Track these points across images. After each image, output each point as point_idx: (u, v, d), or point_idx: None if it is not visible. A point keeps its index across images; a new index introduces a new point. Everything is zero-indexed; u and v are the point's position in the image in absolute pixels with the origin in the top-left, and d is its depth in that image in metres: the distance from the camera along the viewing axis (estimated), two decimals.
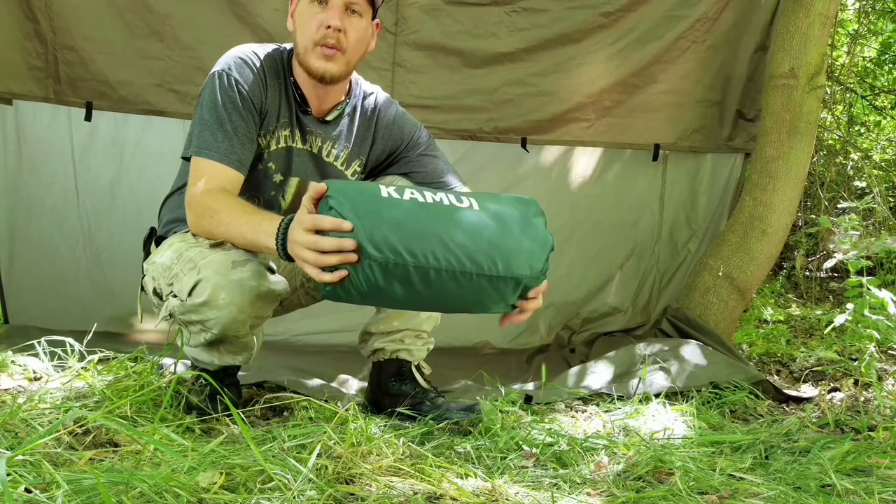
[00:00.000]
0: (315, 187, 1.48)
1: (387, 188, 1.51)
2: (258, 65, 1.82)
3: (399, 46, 2.97)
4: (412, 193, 1.51)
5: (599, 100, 3.09)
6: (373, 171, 2.03)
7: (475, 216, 1.53)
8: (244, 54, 1.82)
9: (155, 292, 1.82)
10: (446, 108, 3.04)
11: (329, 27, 1.76)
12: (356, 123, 1.97)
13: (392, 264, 1.44)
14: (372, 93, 2.01)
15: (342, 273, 1.45)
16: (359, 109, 1.97)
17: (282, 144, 1.88)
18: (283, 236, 1.55)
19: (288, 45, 1.90)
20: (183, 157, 1.84)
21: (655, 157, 3.16)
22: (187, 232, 1.80)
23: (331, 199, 1.45)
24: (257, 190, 1.87)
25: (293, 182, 1.92)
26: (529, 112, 3.08)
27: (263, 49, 1.86)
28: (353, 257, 1.43)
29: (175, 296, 1.70)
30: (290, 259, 1.55)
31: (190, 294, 1.65)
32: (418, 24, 2.97)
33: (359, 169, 1.99)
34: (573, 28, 3.04)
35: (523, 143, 3.09)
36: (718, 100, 3.14)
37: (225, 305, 1.64)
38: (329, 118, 1.91)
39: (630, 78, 3.08)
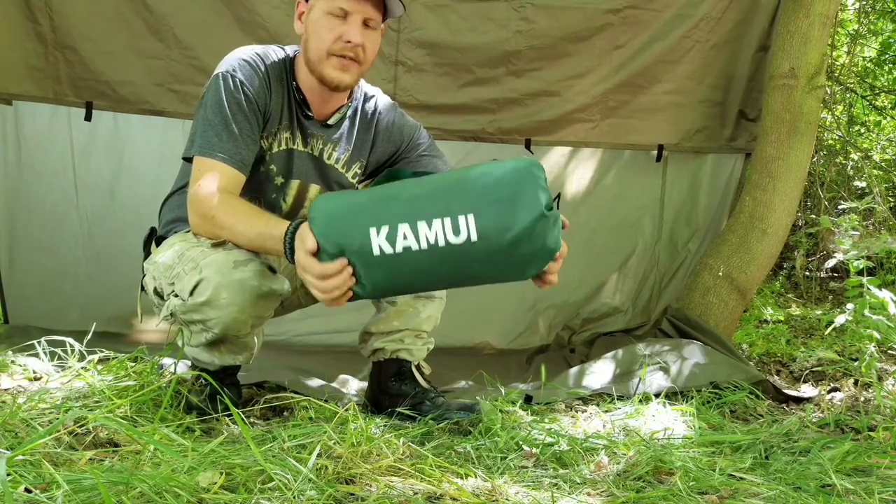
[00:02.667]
0: (309, 243, 1.51)
1: (378, 239, 1.46)
2: (262, 67, 1.81)
3: (401, 44, 2.95)
4: (405, 240, 1.46)
5: (604, 100, 3.07)
6: (374, 173, 2.04)
7: (466, 251, 1.47)
8: (248, 57, 1.81)
9: (156, 292, 1.82)
10: (448, 108, 3.02)
11: (349, 42, 1.76)
12: (357, 126, 1.97)
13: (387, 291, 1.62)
14: (373, 95, 2.01)
15: (347, 295, 1.54)
16: (359, 112, 1.97)
17: (283, 147, 1.88)
18: (290, 242, 1.57)
19: (289, 48, 1.90)
20: (184, 158, 1.83)
21: (659, 158, 3.15)
22: (188, 231, 1.80)
23: (323, 255, 1.50)
24: (259, 192, 1.87)
25: (294, 184, 1.92)
26: (534, 112, 3.05)
27: (266, 52, 1.85)
28: (353, 282, 1.52)
29: (176, 295, 1.70)
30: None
31: (191, 293, 1.65)
32: (422, 22, 2.94)
33: (359, 171, 1.99)
34: (580, 26, 3.01)
35: (527, 145, 3.07)
36: (721, 100, 3.13)
37: (226, 305, 1.64)
38: (331, 121, 1.91)
39: (635, 78, 3.07)
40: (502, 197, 1.46)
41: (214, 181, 1.71)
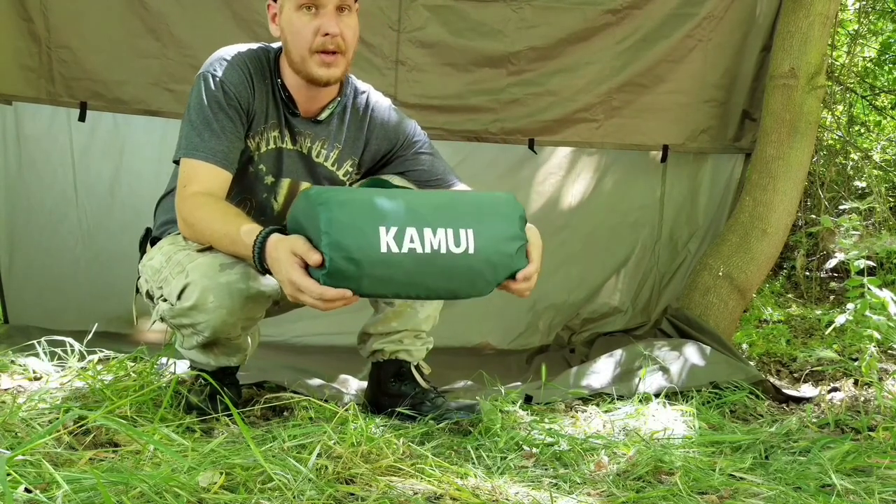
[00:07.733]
0: (313, 259, 1.48)
1: (386, 237, 1.50)
2: (244, 66, 1.80)
3: (402, 44, 2.94)
4: (411, 242, 1.52)
5: (608, 100, 3.04)
6: (369, 172, 2.01)
7: (468, 262, 1.57)
8: (229, 55, 1.81)
9: (148, 294, 1.82)
10: (450, 108, 3.00)
11: (327, 34, 1.73)
12: (346, 123, 1.94)
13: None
14: (364, 91, 1.97)
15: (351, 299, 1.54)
16: (349, 108, 1.94)
17: (271, 146, 1.87)
18: (258, 253, 1.56)
19: (274, 45, 1.88)
20: (174, 161, 1.81)
21: (664, 159, 3.13)
22: (178, 234, 1.79)
23: (324, 275, 1.49)
24: (249, 192, 1.86)
25: (284, 183, 1.91)
26: (537, 112, 3.03)
27: (248, 50, 1.84)
28: (356, 299, 1.54)
29: (165, 299, 1.70)
30: (268, 273, 1.58)
31: (179, 298, 1.65)
32: (422, 21, 2.93)
33: (351, 169, 1.97)
34: (581, 26, 3.00)
35: (530, 145, 3.04)
36: (724, 100, 3.11)
37: (214, 309, 1.63)
38: (321, 118, 1.89)
39: (638, 77, 3.04)
40: (497, 217, 1.62)
41: (197, 182, 1.71)
